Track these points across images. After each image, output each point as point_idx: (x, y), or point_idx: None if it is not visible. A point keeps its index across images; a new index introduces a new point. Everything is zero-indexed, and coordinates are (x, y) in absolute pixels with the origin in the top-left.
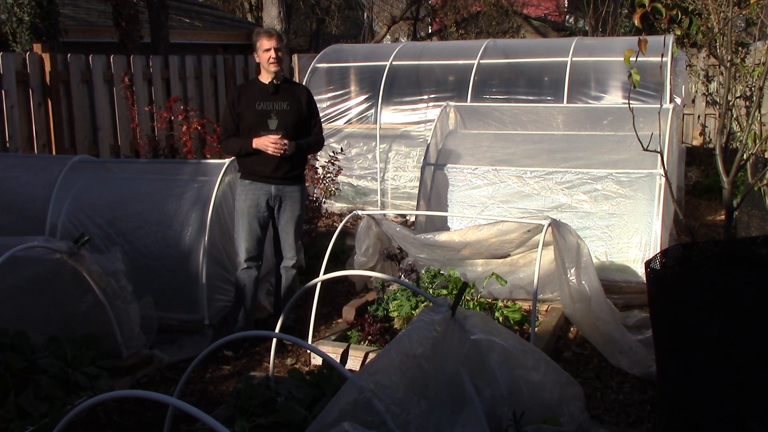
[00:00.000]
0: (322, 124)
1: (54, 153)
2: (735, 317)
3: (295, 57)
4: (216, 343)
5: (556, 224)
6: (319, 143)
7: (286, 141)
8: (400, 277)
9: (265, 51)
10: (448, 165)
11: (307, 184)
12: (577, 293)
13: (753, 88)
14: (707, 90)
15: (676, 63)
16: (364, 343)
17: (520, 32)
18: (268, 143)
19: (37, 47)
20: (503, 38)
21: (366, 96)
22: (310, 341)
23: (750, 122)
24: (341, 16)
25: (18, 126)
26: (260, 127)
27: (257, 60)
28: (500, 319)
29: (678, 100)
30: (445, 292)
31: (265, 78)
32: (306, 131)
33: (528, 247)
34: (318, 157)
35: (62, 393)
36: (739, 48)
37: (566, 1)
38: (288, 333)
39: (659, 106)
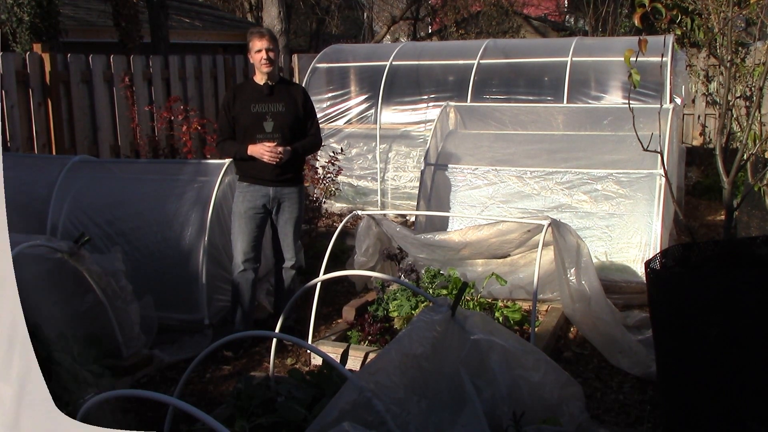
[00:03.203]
0: (323, 125)
1: (54, 153)
2: (735, 317)
3: (295, 57)
4: (216, 344)
5: (556, 224)
6: (316, 144)
7: (281, 149)
8: (400, 277)
9: (257, 52)
10: (449, 165)
11: (307, 184)
12: (577, 293)
13: (753, 88)
14: (707, 90)
15: (676, 63)
16: (364, 343)
17: (520, 32)
18: (263, 151)
19: (37, 47)
20: (503, 38)
21: (366, 96)
22: (310, 341)
23: (750, 122)
24: (341, 16)
25: (18, 126)
26: (256, 129)
27: (251, 61)
28: (500, 319)
29: (678, 100)
30: (445, 292)
31: (260, 79)
32: (302, 132)
33: (528, 247)
34: (318, 157)
35: (75, 387)
36: (739, 48)
37: (566, 1)
38: (288, 333)
39: (659, 106)
